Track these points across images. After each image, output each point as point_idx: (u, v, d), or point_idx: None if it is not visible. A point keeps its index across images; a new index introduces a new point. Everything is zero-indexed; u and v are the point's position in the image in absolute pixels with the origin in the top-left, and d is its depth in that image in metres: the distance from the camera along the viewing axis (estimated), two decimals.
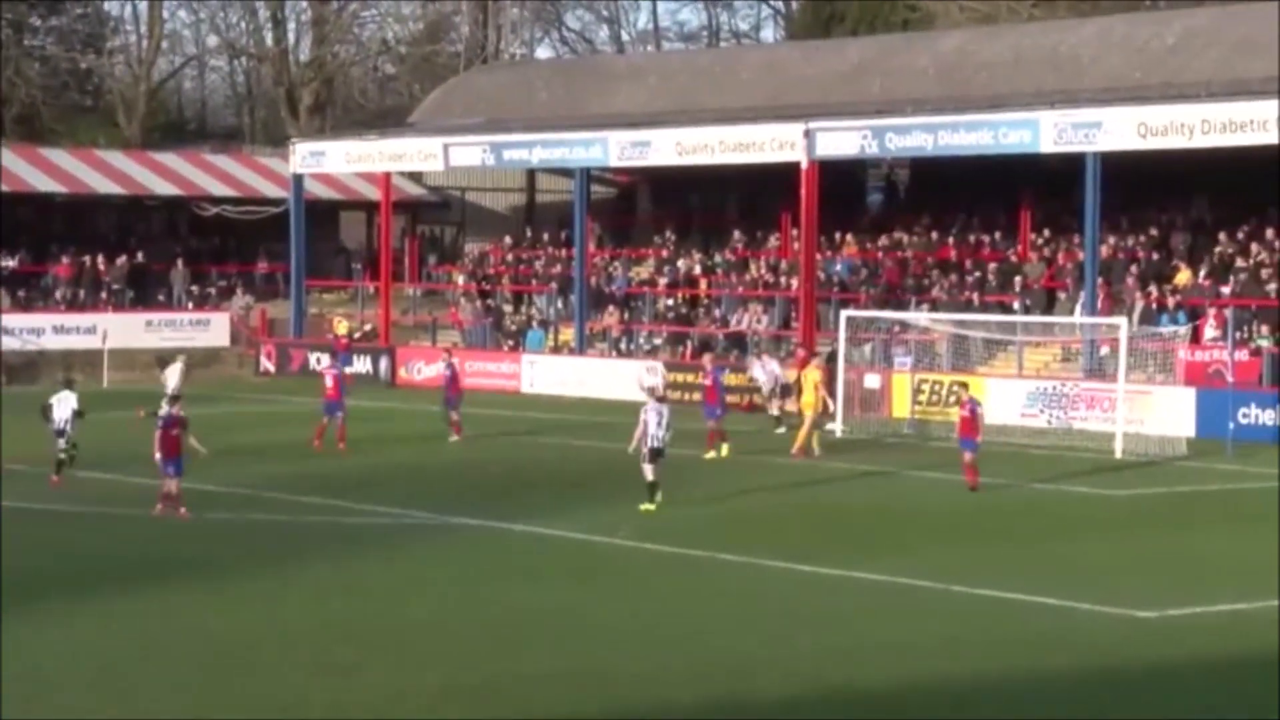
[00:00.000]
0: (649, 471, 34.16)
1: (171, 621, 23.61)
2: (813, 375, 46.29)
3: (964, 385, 42.14)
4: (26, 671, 20.02)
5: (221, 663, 21.11)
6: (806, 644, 23.01)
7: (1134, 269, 56.51)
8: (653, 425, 34.27)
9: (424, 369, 66.25)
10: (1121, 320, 49.17)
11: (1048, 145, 54.64)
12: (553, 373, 63.74)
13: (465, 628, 23.74)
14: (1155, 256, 57.77)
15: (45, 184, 74.65)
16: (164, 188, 77.31)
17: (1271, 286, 53.18)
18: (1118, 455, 44.55)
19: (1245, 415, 48.56)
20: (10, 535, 30.31)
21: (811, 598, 26.42)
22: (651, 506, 33.86)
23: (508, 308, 71.10)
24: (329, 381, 46.23)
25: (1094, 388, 50.55)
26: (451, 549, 30.62)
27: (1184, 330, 51.06)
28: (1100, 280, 54.73)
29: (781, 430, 48.87)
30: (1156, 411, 47.99)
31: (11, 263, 72.11)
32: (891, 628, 24.31)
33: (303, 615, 24.31)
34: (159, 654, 21.57)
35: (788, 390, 51.02)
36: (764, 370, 52.75)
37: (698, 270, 67.63)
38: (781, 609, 25.60)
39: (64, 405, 38.11)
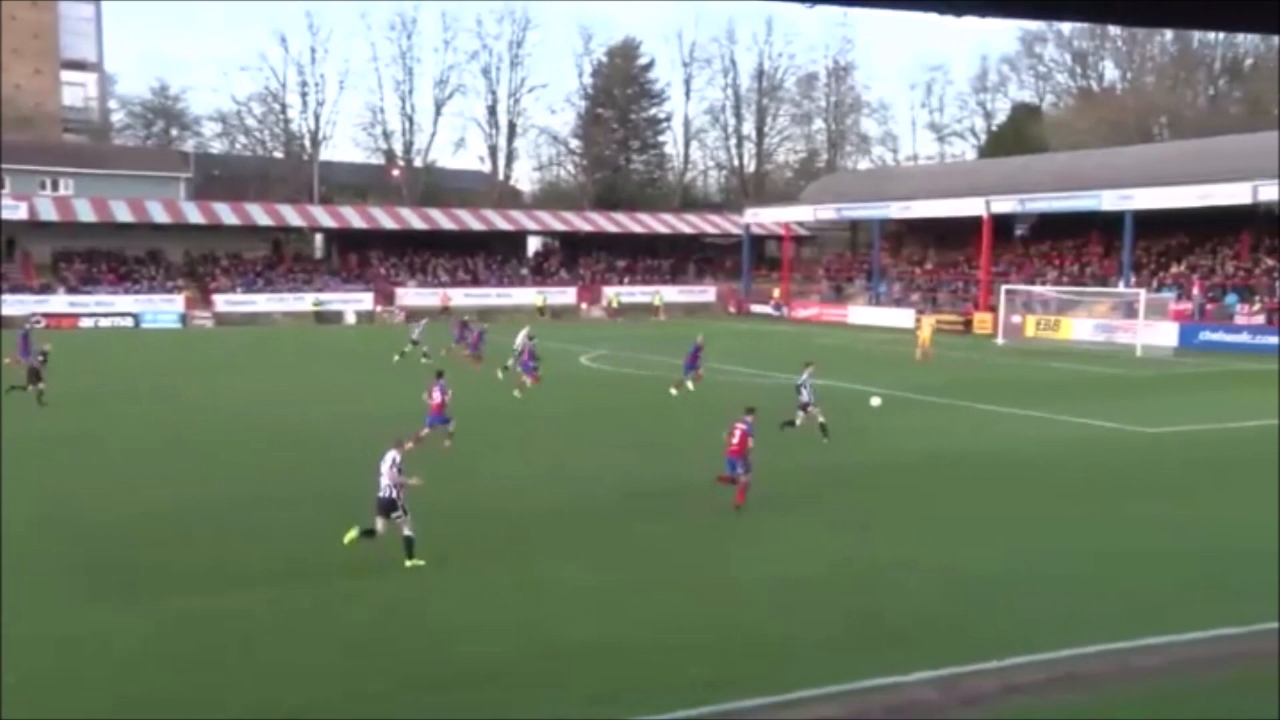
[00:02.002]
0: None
1: None
2: (927, 321, 43.75)
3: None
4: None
5: None
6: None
7: (1150, 267, 53.28)
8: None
9: (802, 311, 64.57)
10: (1142, 290, 46.31)
11: (1107, 205, 51.58)
12: (861, 314, 62.21)
13: None
14: (1161, 260, 54.45)
15: (639, 228, 72.29)
16: (686, 229, 75.31)
17: None
18: (1138, 354, 42.04)
19: None
20: None
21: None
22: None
23: None
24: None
25: (1130, 323, 47.49)
26: None
27: (1172, 295, 48.27)
28: (1133, 272, 51.64)
29: None
30: (1158, 334, 45.28)
31: (624, 263, 72.01)
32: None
33: None
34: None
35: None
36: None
37: (931, 266, 65.51)
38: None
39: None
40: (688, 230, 76.77)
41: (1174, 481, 18.35)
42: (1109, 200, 52.40)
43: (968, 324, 56.06)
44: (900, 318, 60.36)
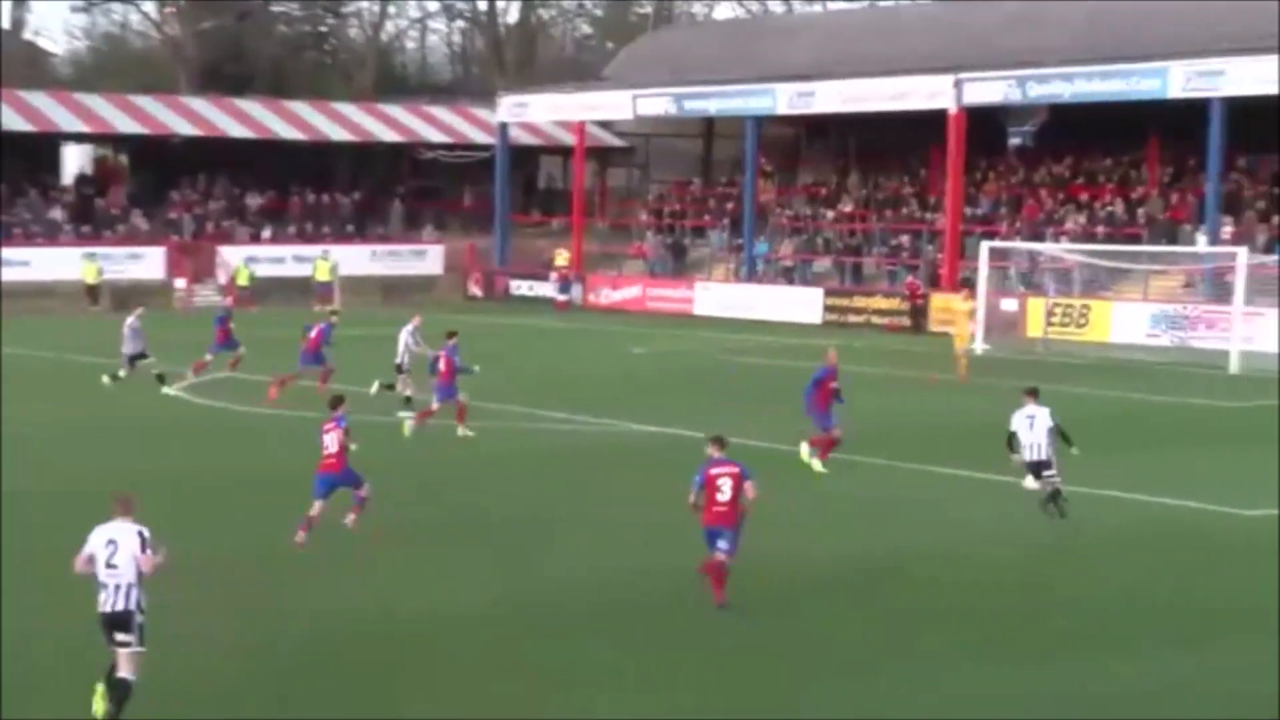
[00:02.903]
0: None
1: None
2: (964, 308, 45.61)
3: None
4: None
5: None
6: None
7: (1258, 204, 55.37)
8: None
9: (611, 294, 66.76)
10: (1241, 249, 48.06)
11: (1175, 92, 53.62)
12: (724, 297, 63.44)
13: None
14: (1275, 191, 56.39)
15: (289, 132, 75.16)
16: (389, 135, 77.58)
17: None
18: (1233, 370, 43.58)
19: None
20: None
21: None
22: None
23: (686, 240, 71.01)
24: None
25: (1213, 310, 49.57)
26: None
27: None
28: (1223, 214, 53.75)
29: None
30: (1270, 331, 47.11)
31: (260, 200, 73.10)
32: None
33: None
34: None
35: None
36: None
37: (851, 207, 67.19)
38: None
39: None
40: (389, 137, 77.86)
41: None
42: (1180, 79, 53.87)
43: (917, 314, 57.15)
44: (799, 304, 61.12)
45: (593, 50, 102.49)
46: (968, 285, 52.01)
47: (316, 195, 74.13)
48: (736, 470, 18.83)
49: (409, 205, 76.30)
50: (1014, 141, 66.44)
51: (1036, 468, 24.13)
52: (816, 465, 27.68)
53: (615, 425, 33.43)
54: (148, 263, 67.30)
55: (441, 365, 31.30)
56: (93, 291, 63.70)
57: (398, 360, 35.55)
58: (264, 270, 67.78)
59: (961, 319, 44.98)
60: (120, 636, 14.46)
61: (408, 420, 31.80)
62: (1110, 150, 63.56)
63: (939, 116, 59.63)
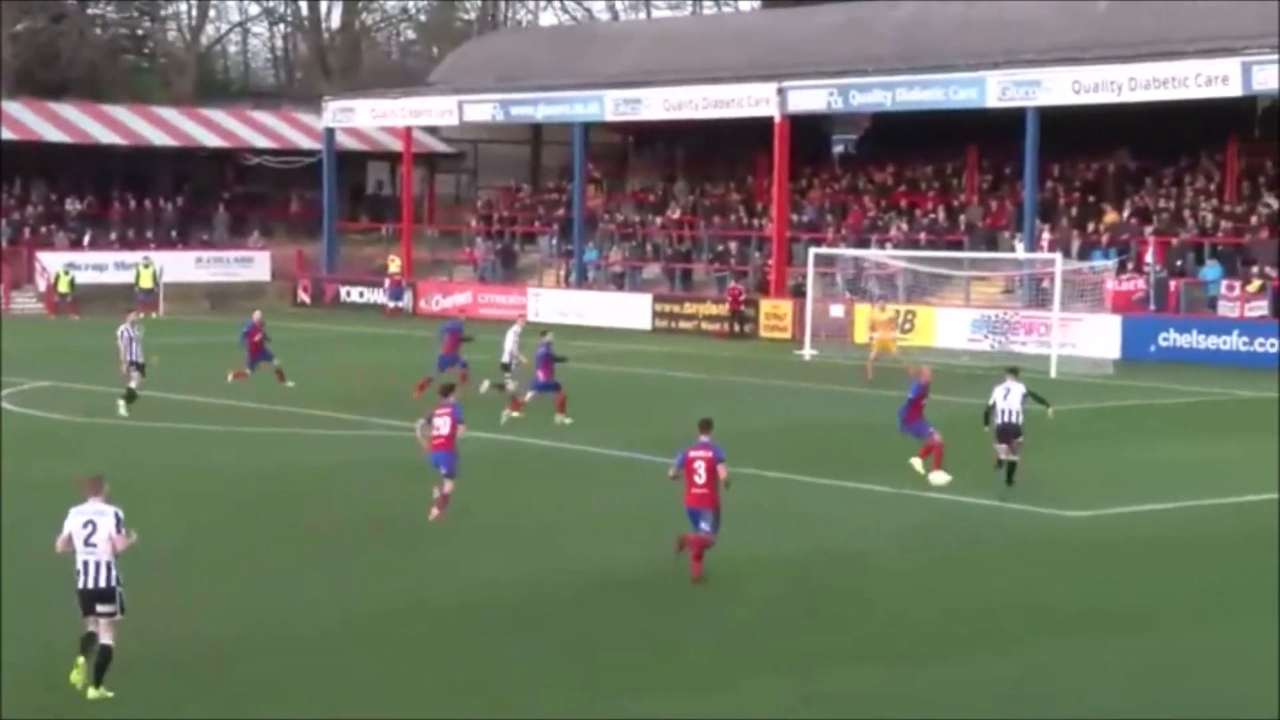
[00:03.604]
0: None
1: None
2: (883, 317, 46.94)
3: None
4: None
5: None
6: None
7: (1072, 211, 56.65)
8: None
9: (440, 300, 66.85)
10: (1057, 255, 49.32)
11: (992, 101, 54.70)
12: (556, 303, 63.75)
13: None
14: (1090, 199, 57.78)
15: (108, 136, 74.29)
16: (212, 140, 76.96)
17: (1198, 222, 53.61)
18: (1052, 375, 44.77)
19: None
20: None
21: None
22: None
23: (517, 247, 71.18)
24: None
25: (1032, 315, 50.69)
26: None
27: (1111, 265, 51.20)
28: (1039, 221, 54.93)
29: None
30: (1087, 336, 48.35)
31: (79, 206, 72.19)
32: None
33: None
34: None
35: None
36: None
37: (679, 213, 67.79)
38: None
39: None
40: (212, 142, 77.36)
41: (1118, 601, 20.34)
42: (996, 89, 55.02)
43: (741, 320, 58.10)
44: (629, 310, 61.92)
45: (418, 56, 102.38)
46: (799, 296, 52.24)
47: (138, 201, 73.34)
48: (710, 454, 19.94)
49: (234, 211, 75.71)
50: (838, 149, 67.96)
51: (1006, 432, 26.75)
52: (939, 478, 27.35)
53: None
54: None
55: (538, 360, 34.42)
56: None
57: (505, 360, 36.85)
58: (85, 277, 67.05)
59: (883, 326, 45.86)
60: (103, 608, 15.51)
61: (505, 410, 34.11)
62: (931, 158, 64.70)
63: (764, 124, 60.26)
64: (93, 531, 15.52)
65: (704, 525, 20.01)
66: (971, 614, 19.46)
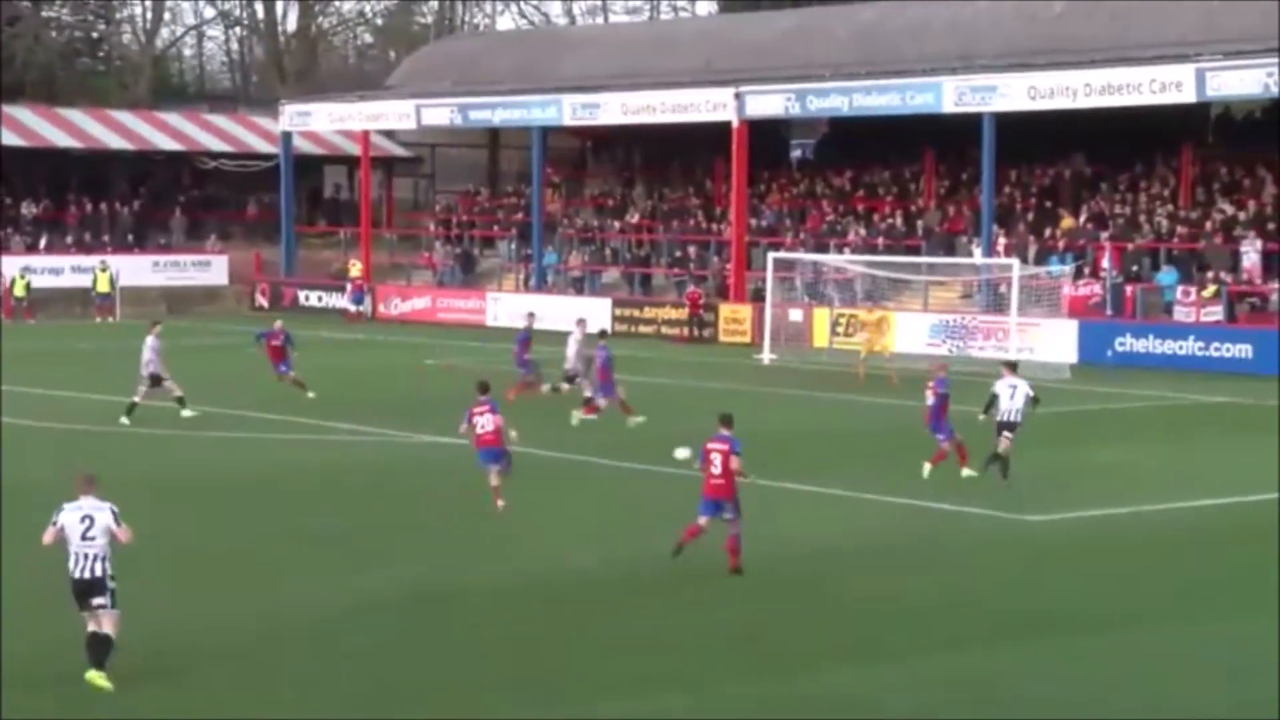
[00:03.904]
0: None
1: None
2: (872, 318, 47.66)
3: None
4: None
5: None
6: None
7: (1029, 216, 57.00)
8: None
9: (399, 304, 66.88)
10: (1014, 261, 49.68)
11: (949, 106, 55.00)
12: (514, 307, 63.71)
13: None
14: (1047, 204, 58.17)
15: (63, 140, 74.13)
16: (168, 144, 76.84)
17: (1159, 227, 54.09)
18: None
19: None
20: None
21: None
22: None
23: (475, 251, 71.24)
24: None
25: (990, 320, 51.00)
26: None
27: (1068, 269, 51.56)
28: (996, 226, 55.27)
29: None
30: (1044, 341, 48.69)
31: (35, 209, 72.01)
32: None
33: None
34: None
35: None
36: None
37: (638, 218, 67.97)
38: None
39: None
40: (169, 146, 77.21)
41: (1080, 604, 20.59)
42: (952, 94, 55.35)
43: (700, 324, 58.42)
44: (588, 314, 60.53)
45: (375, 60, 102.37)
46: (758, 301, 52.45)
47: (94, 204, 73.22)
48: (725, 447, 20.90)
49: (191, 215, 75.65)
50: (795, 154, 68.19)
51: (1004, 427, 27.93)
52: (968, 472, 28.41)
53: (411, 437, 33.94)
54: None
55: (598, 365, 35.12)
56: None
57: (568, 367, 37.43)
58: (41, 281, 66.92)
59: (871, 328, 46.33)
60: (95, 601, 16.11)
61: (576, 412, 35.06)
62: (889, 163, 65.00)
63: (722, 129, 60.41)
64: (90, 526, 16.11)
65: (726, 514, 20.87)
66: (935, 616, 19.73)
